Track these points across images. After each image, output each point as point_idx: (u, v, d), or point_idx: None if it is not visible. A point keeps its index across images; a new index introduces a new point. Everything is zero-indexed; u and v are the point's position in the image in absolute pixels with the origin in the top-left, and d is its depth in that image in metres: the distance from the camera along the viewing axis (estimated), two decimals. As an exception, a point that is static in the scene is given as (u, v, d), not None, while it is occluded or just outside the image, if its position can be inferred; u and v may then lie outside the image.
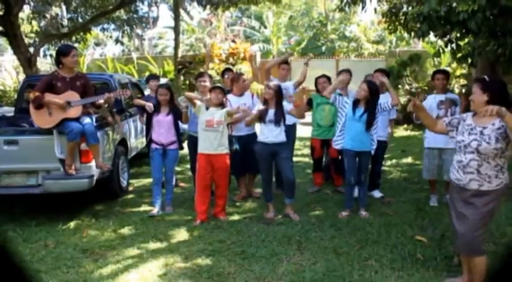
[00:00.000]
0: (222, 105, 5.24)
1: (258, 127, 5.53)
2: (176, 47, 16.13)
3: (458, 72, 13.06)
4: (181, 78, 15.30)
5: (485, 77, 3.49)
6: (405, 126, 12.64)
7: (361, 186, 5.43)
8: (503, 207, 5.29)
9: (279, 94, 5.22)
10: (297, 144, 9.61)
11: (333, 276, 3.79)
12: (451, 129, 3.54)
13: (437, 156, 5.58)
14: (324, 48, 25.15)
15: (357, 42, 24.93)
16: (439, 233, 4.70)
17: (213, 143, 5.16)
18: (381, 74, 5.85)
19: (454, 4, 5.61)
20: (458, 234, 3.43)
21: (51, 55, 15.25)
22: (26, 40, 12.06)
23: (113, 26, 15.54)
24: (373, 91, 5.17)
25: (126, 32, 15.65)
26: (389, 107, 5.38)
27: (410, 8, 7.61)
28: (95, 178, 5.33)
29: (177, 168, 6.83)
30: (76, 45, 15.27)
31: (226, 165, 5.28)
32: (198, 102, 5.28)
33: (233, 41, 17.13)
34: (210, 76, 6.48)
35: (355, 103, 5.22)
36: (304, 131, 9.37)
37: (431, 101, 5.62)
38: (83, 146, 5.17)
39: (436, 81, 5.68)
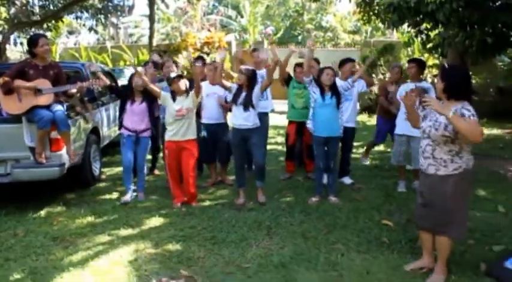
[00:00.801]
0: (187, 92, 5.26)
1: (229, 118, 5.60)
2: (151, 36, 15.99)
3: (430, 62, 13.31)
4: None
5: (445, 64, 3.60)
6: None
7: (330, 173, 5.53)
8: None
9: (251, 79, 5.27)
10: (271, 132, 9.71)
11: (300, 259, 3.88)
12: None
13: (406, 143, 5.71)
14: (300, 37, 25.27)
15: (333, 32, 25.11)
16: (405, 218, 4.83)
17: (182, 130, 5.22)
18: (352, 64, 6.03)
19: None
20: (426, 216, 3.54)
21: (21, 43, 14.96)
22: (-5, 28, 11.82)
23: (86, 15, 15.27)
24: (335, 74, 5.40)
25: (100, 21, 15.42)
26: (350, 84, 5.55)
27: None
28: (65, 166, 5.30)
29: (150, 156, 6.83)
30: (48, 33, 14.99)
31: (193, 151, 5.33)
32: (162, 93, 5.32)
33: (209, 30, 17.06)
34: (176, 63, 6.50)
35: (322, 90, 5.32)
36: (279, 120, 9.47)
37: (403, 89, 5.74)
38: (53, 134, 5.13)
39: (409, 70, 5.79)
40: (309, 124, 5.65)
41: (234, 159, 5.57)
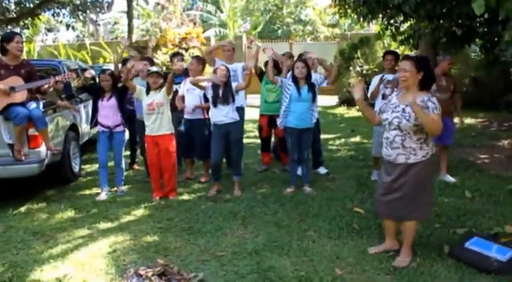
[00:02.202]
0: (161, 87, 5.37)
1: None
2: (130, 32, 15.98)
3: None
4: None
5: (416, 55, 3.75)
6: (357, 107, 13.05)
7: (304, 164, 5.68)
8: (436, 179, 5.72)
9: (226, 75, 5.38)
10: (249, 126, 9.87)
11: (273, 246, 4.05)
12: (381, 114, 3.79)
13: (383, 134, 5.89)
14: (280, 31, 25.38)
15: (313, 26, 25.28)
16: (376, 205, 5.02)
17: (156, 124, 5.34)
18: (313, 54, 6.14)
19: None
20: (392, 205, 3.67)
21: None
22: (-30, 25, 11.71)
23: (64, 11, 15.17)
24: (308, 65, 5.46)
25: (78, 17, 15.33)
26: (323, 79, 5.77)
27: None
28: (45, 163, 5.39)
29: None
30: (25, 31, 14.86)
31: (170, 145, 5.46)
32: (137, 87, 5.42)
33: (194, 24, 17.09)
34: (152, 60, 6.56)
35: (296, 83, 5.44)
36: (255, 114, 9.58)
37: (376, 82, 5.92)
38: (31, 131, 5.20)
39: (386, 62, 5.95)
40: (279, 121, 5.68)
41: (211, 154, 5.63)
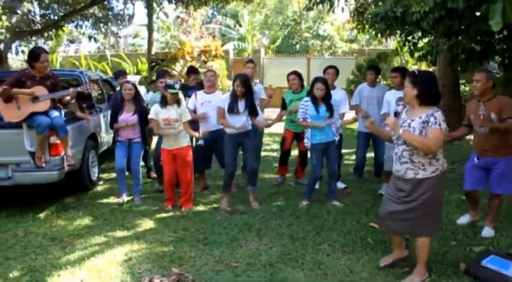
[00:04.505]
0: (178, 102, 5.44)
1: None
2: (149, 45, 16.23)
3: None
4: (155, 75, 15.41)
5: (415, 70, 3.75)
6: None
7: (333, 180, 5.66)
8: (454, 196, 5.67)
9: (247, 85, 5.37)
10: (267, 139, 9.91)
11: (287, 258, 4.06)
12: None
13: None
14: (298, 46, 25.50)
15: (331, 41, 25.35)
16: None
17: (173, 138, 5.44)
18: (333, 70, 6.22)
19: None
20: (399, 220, 3.64)
21: (23, 52, 15.16)
22: (-4, 36, 11.99)
23: (87, 23, 15.54)
24: (327, 86, 5.49)
25: (100, 30, 15.66)
26: (345, 100, 5.96)
27: (374, 8, 7.95)
28: (64, 170, 5.50)
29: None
30: (49, 42, 15.20)
31: (187, 156, 5.54)
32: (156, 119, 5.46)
33: (213, 37, 17.28)
34: (169, 74, 6.67)
35: (315, 103, 5.46)
36: (274, 127, 9.62)
37: (390, 97, 5.94)
38: (53, 139, 5.33)
39: (393, 79, 5.99)
40: (307, 143, 5.66)
41: (225, 164, 5.67)
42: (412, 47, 7.34)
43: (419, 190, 3.53)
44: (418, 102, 3.51)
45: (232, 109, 5.35)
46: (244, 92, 5.34)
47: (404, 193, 3.59)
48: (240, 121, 5.36)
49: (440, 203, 3.70)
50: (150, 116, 5.50)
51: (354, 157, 8.72)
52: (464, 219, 4.93)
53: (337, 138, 5.71)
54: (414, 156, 3.51)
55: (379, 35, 6.98)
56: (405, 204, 3.59)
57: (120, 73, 7.52)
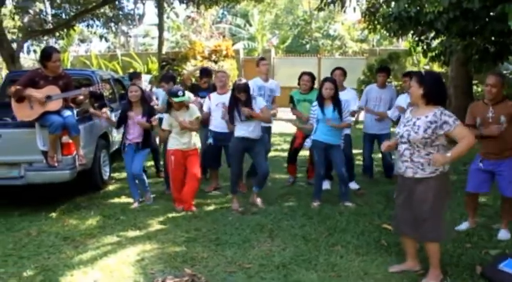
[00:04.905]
0: (186, 107, 5.43)
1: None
2: (160, 44, 16.28)
3: (436, 70, 13.41)
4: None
5: (421, 71, 3.73)
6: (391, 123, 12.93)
7: (343, 182, 5.60)
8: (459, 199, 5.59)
9: (247, 92, 5.32)
10: (277, 139, 9.89)
11: (300, 260, 4.03)
12: None
13: None
14: (308, 46, 25.44)
15: (341, 41, 25.26)
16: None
17: (185, 140, 5.44)
18: (340, 71, 6.21)
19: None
20: (406, 220, 3.63)
21: (34, 51, 15.27)
22: (9, 36, 12.08)
23: (98, 23, 15.60)
24: (336, 86, 5.46)
25: (111, 29, 15.72)
26: (355, 101, 5.92)
27: (387, 8, 7.89)
28: (76, 170, 5.51)
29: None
30: (60, 41, 15.28)
31: (197, 155, 5.58)
32: (167, 127, 5.48)
33: (223, 37, 17.30)
34: (174, 79, 6.68)
35: (321, 104, 5.43)
36: (285, 127, 9.59)
37: (401, 102, 5.89)
38: (65, 138, 5.34)
39: (405, 83, 5.95)
40: (307, 143, 5.72)
41: (231, 167, 5.70)
42: (425, 47, 7.27)
43: (416, 191, 3.52)
44: (424, 102, 3.51)
45: (233, 119, 5.33)
46: (246, 99, 5.27)
47: (404, 194, 3.61)
48: (249, 126, 5.33)
49: (442, 207, 3.62)
50: (163, 127, 5.52)
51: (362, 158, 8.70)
52: (463, 227, 4.83)
53: (342, 144, 5.67)
54: (414, 155, 3.50)
55: (392, 35, 6.92)
56: (407, 207, 3.59)
57: (135, 74, 7.51)
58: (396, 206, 3.79)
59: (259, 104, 5.47)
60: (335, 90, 5.41)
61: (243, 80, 5.47)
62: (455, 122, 3.40)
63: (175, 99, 5.27)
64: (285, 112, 8.12)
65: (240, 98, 5.25)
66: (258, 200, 5.57)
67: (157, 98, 6.67)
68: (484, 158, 4.52)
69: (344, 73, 6.25)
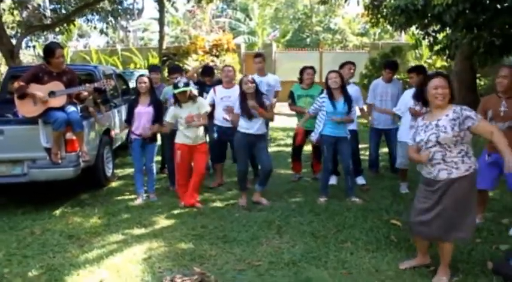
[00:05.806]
0: (192, 98, 5.35)
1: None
2: (161, 39, 16.18)
3: (438, 64, 13.33)
4: (166, 69, 15.37)
5: (442, 72, 3.68)
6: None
7: (349, 175, 5.55)
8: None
9: (256, 88, 5.31)
10: (281, 134, 9.83)
11: (310, 257, 3.97)
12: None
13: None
14: (308, 40, 25.34)
15: (342, 35, 25.17)
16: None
17: (193, 135, 5.36)
18: (350, 65, 6.15)
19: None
20: (433, 224, 3.50)
21: (34, 46, 15.16)
22: (8, 31, 11.97)
23: (97, 17, 15.47)
24: (342, 77, 5.42)
25: (110, 23, 15.59)
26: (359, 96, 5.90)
27: (392, 1, 7.81)
28: (80, 167, 5.44)
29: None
30: (59, 36, 15.17)
31: (204, 148, 5.52)
32: (171, 120, 5.43)
33: (223, 31, 17.20)
34: (181, 71, 6.54)
35: (331, 97, 5.36)
36: (287, 122, 9.56)
37: (408, 98, 5.79)
38: (69, 135, 5.26)
39: (410, 80, 5.87)
40: (313, 136, 5.63)
41: (237, 163, 5.65)
42: (432, 41, 7.20)
43: (451, 191, 3.42)
44: (447, 102, 3.48)
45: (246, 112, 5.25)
46: (254, 90, 5.25)
47: (436, 196, 3.49)
48: (256, 123, 5.29)
49: (473, 204, 3.56)
50: (165, 119, 5.45)
51: (368, 153, 8.63)
52: None
53: (348, 136, 5.59)
54: (447, 155, 3.42)
55: (397, 28, 6.84)
56: (438, 207, 3.48)
57: (153, 68, 7.29)
58: (416, 209, 3.64)
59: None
60: (341, 81, 5.35)
61: (250, 76, 5.45)
62: (478, 116, 3.38)
63: (175, 90, 5.22)
64: (286, 107, 8.06)
65: (247, 92, 5.21)
66: (262, 199, 5.49)
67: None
68: (491, 151, 4.45)
69: (354, 68, 6.19)
